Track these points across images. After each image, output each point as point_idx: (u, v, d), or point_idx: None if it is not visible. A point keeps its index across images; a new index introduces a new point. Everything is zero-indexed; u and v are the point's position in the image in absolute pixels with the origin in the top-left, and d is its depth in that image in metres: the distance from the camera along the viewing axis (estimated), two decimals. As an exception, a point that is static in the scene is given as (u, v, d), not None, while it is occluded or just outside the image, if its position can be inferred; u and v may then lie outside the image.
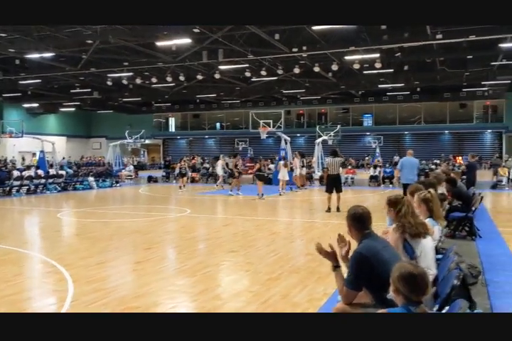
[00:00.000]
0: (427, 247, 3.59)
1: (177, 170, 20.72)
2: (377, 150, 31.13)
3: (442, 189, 7.39)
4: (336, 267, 3.25)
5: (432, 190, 4.52)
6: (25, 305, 4.76)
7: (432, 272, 3.60)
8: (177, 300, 5.00)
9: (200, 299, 4.99)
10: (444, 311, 2.65)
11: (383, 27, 16.21)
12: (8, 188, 17.05)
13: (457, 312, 2.41)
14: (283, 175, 16.86)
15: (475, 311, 4.22)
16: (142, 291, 5.22)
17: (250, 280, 5.74)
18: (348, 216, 3.26)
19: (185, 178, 19.46)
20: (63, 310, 4.57)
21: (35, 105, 35.49)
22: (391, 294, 2.32)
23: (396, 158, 28.89)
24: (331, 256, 3.26)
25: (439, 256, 4.34)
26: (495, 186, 18.44)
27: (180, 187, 18.84)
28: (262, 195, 15.36)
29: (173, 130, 45.78)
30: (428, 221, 4.22)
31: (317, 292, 5.14)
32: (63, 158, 36.96)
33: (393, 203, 3.73)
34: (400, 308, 2.23)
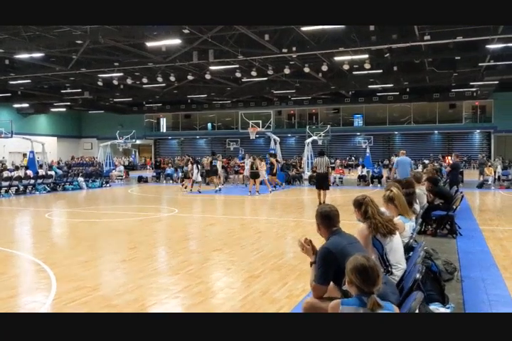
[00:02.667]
0: (395, 243, 3.70)
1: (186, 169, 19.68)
2: (368, 150, 31.32)
3: (422, 188, 7.52)
4: (314, 263, 3.36)
5: (394, 189, 4.64)
6: (6, 303, 4.81)
7: (401, 267, 3.71)
8: (158, 297, 5.08)
9: (182, 296, 5.07)
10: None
11: (372, 28, 16.33)
12: (-3, 189, 17.01)
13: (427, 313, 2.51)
14: (262, 174, 17.46)
15: (446, 306, 4.35)
16: (124, 289, 5.29)
17: (232, 278, 5.83)
18: (317, 214, 3.39)
19: (191, 179, 18.78)
20: (44, 308, 4.63)
21: (26, 105, 35.33)
22: (346, 285, 2.42)
23: (394, 158, 29.26)
24: (311, 251, 3.39)
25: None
26: (481, 185, 18.66)
27: (186, 186, 18.63)
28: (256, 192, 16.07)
29: (165, 130, 45.77)
30: (399, 218, 4.33)
31: (296, 288, 5.24)
32: (59, 160, 36.96)
33: (358, 204, 3.84)
34: (354, 299, 2.33)
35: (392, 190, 4.56)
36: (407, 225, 4.43)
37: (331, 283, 3.20)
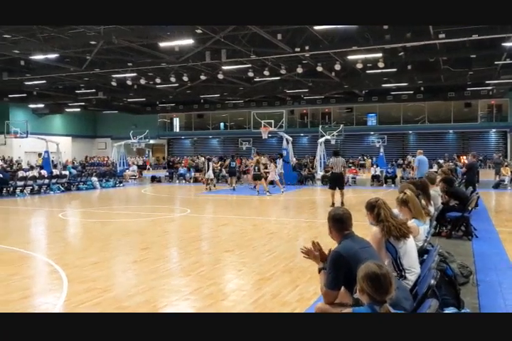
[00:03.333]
0: (409, 247, 3.62)
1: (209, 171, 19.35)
2: (381, 149, 31.08)
3: (437, 189, 7.40)
4: (323, 269, 3.30)
5: (407, 191, 4.54)
6: (18, 305, 4.83)
7: (415, 271, 3.63)
8: (169, 298, 5.06)
9: (192, 298, 5.05)
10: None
11: (386, 27, 16.19)
12: (11, 188, 17.21)
13: (435, 313, 2.44)
14: (272, 175, 17.45)
15: (462, 311, 4.25)
16: (135, 290, 5.28)
17: (243, 280, 5.79)
18: (329, 217, 3.32)
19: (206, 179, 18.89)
20: (55, 310, 4.64)
21: (41, 106, 35.79)
22: (357, 293, 2.36)
23: (410, 158, 29.13)
24: (319, 258, 3.32)
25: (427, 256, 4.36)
26: (497, 185, 18.33)
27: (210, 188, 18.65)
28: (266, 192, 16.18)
29: (178, 130, 45.97)
30: (413, 222, 4.25)
31: (307, 291, 5.18)
32: (74, 160, 37.34)
33: (371, 207, 3.76)
34: (365, 307, 2.27)
35: (405, 193, 4.47)
36: (422, 228, 4.34)
37: (342, 288, 3.14)
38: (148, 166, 38.98)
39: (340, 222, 3.25)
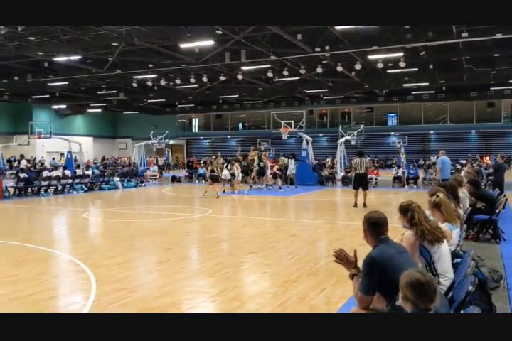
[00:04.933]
0: (443, 251, 3.55)
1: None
2: (402, 150, 30.68)
3: (465, 191, 7.26)
4: (354, 275, 3.25)
5: (440, 194, 4.45)
6: (48, 304, 4.90)
7: (449, 276, 3.57)
8: (196, 300, 5.07)
9: (219, 300, 5.05)
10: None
11: (407, 26, 16.00)
12: (36, 188, 17.51)
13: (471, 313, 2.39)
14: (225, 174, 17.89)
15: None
16: (161, 291, 5.31)
17: (268, 282, 5.77)
18: (364, 221, 3.27)
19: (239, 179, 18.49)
20: (85, 310, 4.69)
21: (63, 106, 36.37)
22: (400, 301, 2.32)
23: (433, 158, 28.81)
24: (351, 264, 3.26)
25: (459, 260, 4.29)
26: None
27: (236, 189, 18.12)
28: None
29: (197, 130, 46.21)
30: (446, 225, 4.17)
31: (335, 295, 5.13)
32: (95, 161, 37.81)
33: (404, 210, 3.70)
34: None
35: (438, 196, 4.38)
36: (454, 233, 4.26)
37: (377, 293, 3.09)
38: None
39: (375, 226, 3.20)
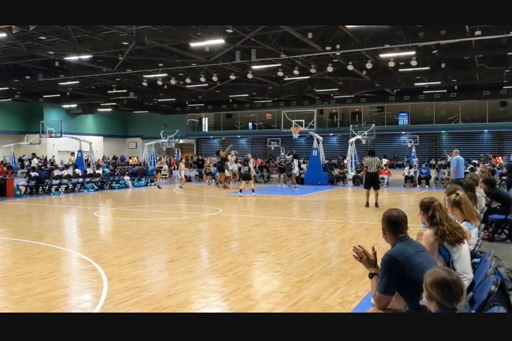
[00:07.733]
0: (463, 251, 3.47)
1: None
2: (413, 149, 30.48)
3: (481, 190, 7.15)
4: (374, 274, 3.18)
5: (460, 192, 4.35)
6: (61, 302, 4.89)
7: (468, 277, 3.49)
8: (208, 299, 5.03)
9: (231, 299, 5.00)
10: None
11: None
12: (47, 187, 17.61)
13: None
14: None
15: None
16: (173, 290, 5.28)
17: (281, 281, 5.71)
18: (383, 219, 3.20)
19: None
20: (97, 308, 4.67)
21: (74, 106, 36.60)
22: (424, 300, 2.25)
23: (449, 158, 28.55)
24: (371, 263, 3.19)
25: (477, 260, 4.20)
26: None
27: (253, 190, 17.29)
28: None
29: (207, 130, 46.26)
30: (465, 224, 4.08)
31: (349, 294, 5.06)
32: (107, 159, 37.97)
33: (425, 207, 3.61)
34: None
35: (458, 193, 4.28)
36: (473, 232, 4.17)
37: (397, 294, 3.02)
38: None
39: (395, 224, 3.13)
